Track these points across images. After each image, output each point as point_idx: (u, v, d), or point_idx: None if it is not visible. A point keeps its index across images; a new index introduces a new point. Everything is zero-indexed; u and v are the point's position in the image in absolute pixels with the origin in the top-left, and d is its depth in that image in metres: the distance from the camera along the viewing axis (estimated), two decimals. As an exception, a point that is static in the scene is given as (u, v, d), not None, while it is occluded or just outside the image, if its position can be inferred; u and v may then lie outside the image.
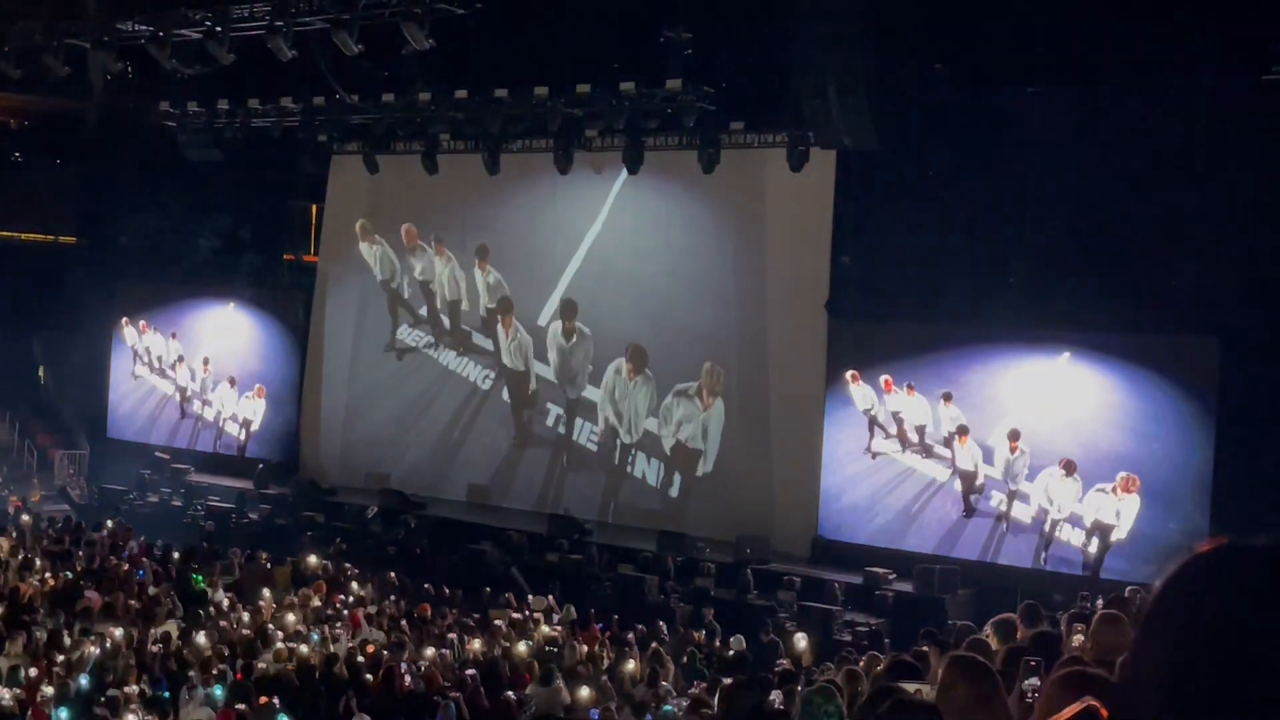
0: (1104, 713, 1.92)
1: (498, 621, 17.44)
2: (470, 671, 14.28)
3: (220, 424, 29.88)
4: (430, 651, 15.43)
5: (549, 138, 24.61)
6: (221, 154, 27.59)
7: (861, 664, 10.44)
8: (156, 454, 29.03)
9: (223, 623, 16.42)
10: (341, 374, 28.70)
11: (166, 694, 13.04)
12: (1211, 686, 1.39)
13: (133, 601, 17.19)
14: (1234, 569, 1.46)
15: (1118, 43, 19.85)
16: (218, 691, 13.05)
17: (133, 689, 12.90)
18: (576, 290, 25.64)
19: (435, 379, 27.38)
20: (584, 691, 13.40)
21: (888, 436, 22.04)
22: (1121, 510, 19.74)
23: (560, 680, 14.11)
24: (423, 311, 27.78)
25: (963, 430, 21.22)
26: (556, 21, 24.05)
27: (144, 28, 23.94)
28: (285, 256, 31.46)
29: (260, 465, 27.68)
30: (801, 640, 16.61)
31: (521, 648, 15.88)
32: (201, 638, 15.20)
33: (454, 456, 26.70)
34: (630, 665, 15.42)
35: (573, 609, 18.82)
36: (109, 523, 23.54)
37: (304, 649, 15.04)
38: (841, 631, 18.82)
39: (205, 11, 23.58)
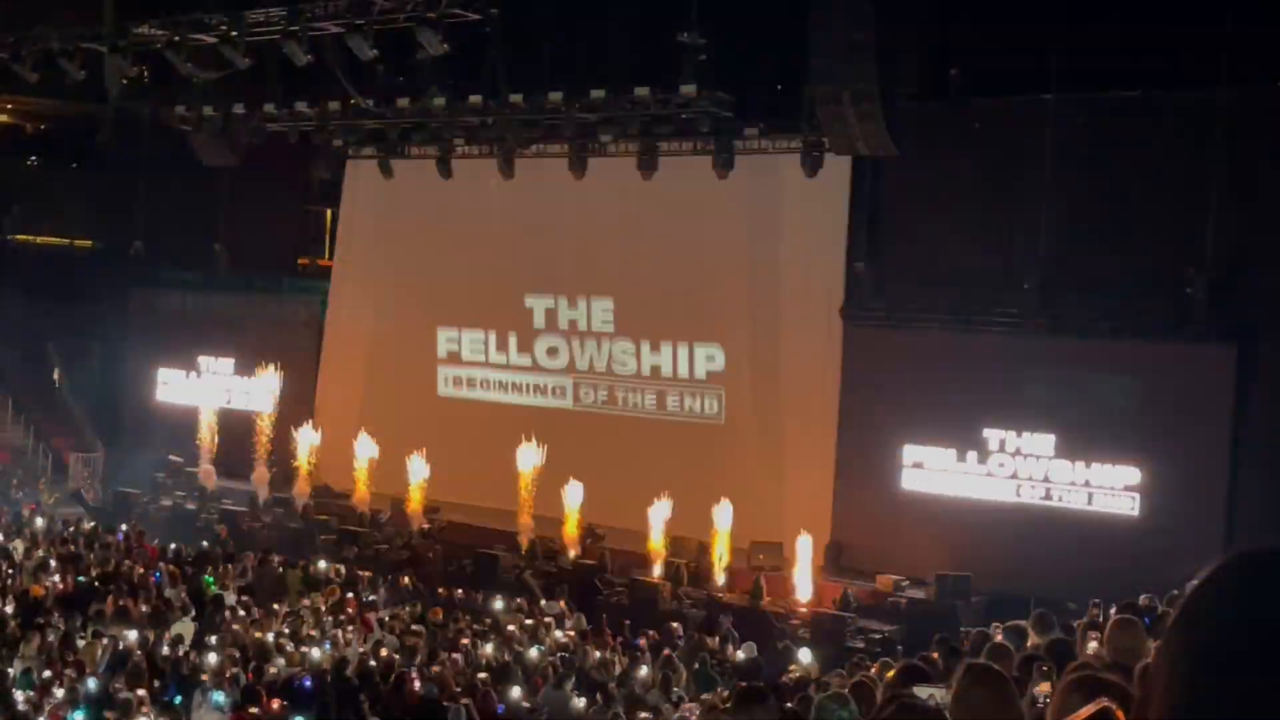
0: (1119, 714, 1.88)
1: (510, 627, 17.42)
2: (482, 676, 14.27)
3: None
4: (443, 656, 15.41)
5: (564, 143, 24.61)
6: (237, 158, 27.66)
7: (874, 670, 10.39)
8: (171, 457, 29.07)
9: (235, 626, 16.42)
10: (355, 378, 28.72)
11: (179, 698, 13.04)
12: (1246, 688, 1.36)
13: (145, 605, 17.21)
14: (1273, 571, 1.43)
15: (1133, 50, 19.79)
16: (225, 696, 13.04)
17: (144, 692, 12.90)
18: (588, 292, 25.59)
19: (451, 385, 27.38)
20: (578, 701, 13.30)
21: None
22: None
23: (571, 686, 14.09)
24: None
25: None
26: (571, 27, 24.07)
27: (160, 32, 24.01)
28: (300, 261, 31.52)
29: (273, 469, 27.70)
30: (805, 655, 16.52)
31: (534, 653, 15.85)
32: (213, 641, 15.20)
33: (468, 461, 26.65)
34: (643, 671, 15.37)
35: (583, 617, 18.75)
36: (123, 526, 23.58)
37: (316, 653, 15.03)
38: (854, 638, 18.75)
39: (221, 16, 23.64)
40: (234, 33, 23.20)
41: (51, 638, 15.06)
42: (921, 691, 5.05)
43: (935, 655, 10.50)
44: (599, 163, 24.97)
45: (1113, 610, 11.38)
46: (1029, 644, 8.90)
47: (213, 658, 14.42)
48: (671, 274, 24.68)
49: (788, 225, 23.51)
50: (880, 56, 20.85)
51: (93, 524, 24.45)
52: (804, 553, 20.59)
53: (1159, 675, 1.45)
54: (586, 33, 23.85)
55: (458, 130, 25.42)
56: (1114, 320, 19.97)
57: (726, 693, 13.76)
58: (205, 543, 23.14)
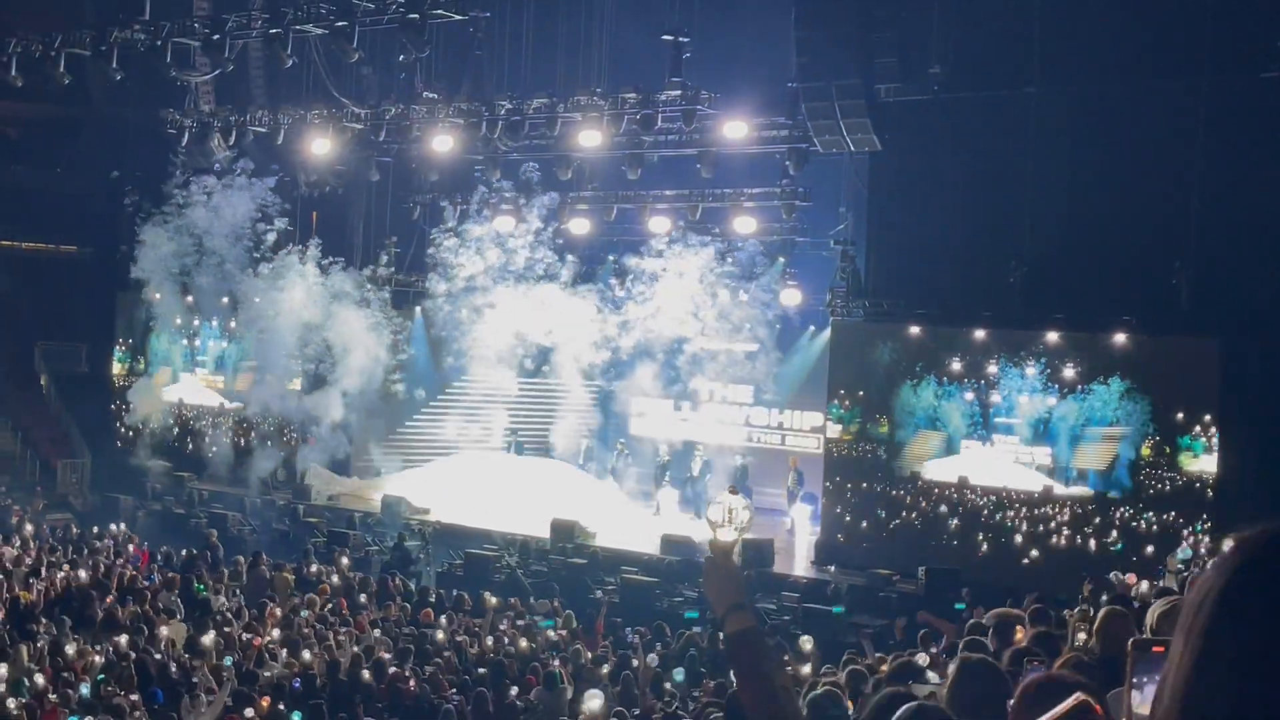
0: (1097, 709, 1.88)
1: (502, 625, 17.42)
2: (476, 674, 14.28)
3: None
4: (435, 656, 15.40)
5: (550, 141, 24.62)
6: (221, 161, 27.58)
7: (866, 665, 10.42)
8: (158, 461, 29.01)
9: (226, 629, 16.39)
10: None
11: (166, 701, 13.02)
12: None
13: (135, 609, 17.16)
14: None
15: (1115, 43, 19.84)
16: (217, 700, 13.01)
17: (135, 696, 12.88)
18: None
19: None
20: (595, 703, 13.16)
21: None
22: None
23: (565, 685, 14.09)
24: None
25: None
26: (556, 26, 24.08)
27: (144, 36, 23.94)
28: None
29: (258, 472, 27.66)
30: (808, 643, 16.51)
31: (526, 651, 15.84)
32: (205, 643, 15.17)
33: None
34: (634, 668, 15.37)
35: (572, 615, 18.73)
36: (111, 530, 23.52)
37: (307, 655, 15.02)
38: (845, 633, 18.77)
39: (205, 19, 23.60)
40: (217, 36, 23.15)
41: (41, 644, 15.01)
42: (920, 690, 5.09)
43: (929, 649, 10.54)
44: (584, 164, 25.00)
45: (1102, 599, 11.45)
46: (1017, 637, 8.94)
47: (203, 661, 14.40)
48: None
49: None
50: (863, 52, 20.91)
51: (81, 529, 24.38)
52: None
53: (1176, 655, 1.38)
54: (571, 31, 23.86)
55: (443, 130, 25.35)
56: (1098, 312, 20.00)
57: (712, 685, 13.77)
58: (194, 548, 23.07)
